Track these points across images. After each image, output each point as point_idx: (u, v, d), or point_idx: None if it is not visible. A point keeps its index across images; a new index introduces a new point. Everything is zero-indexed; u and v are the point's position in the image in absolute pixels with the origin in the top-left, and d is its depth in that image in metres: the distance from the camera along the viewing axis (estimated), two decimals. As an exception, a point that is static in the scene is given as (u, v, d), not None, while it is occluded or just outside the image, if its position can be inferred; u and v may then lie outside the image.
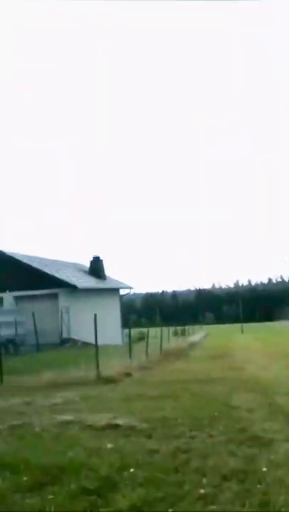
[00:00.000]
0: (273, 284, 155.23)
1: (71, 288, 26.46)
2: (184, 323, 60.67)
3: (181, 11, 69.65)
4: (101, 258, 32.80)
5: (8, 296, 26.52)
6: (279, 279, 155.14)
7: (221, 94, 76.66)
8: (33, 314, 22.36)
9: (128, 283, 35.21)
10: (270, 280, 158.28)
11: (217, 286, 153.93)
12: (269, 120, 78.87)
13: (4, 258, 26.69)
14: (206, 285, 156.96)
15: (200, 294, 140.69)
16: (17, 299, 26.46)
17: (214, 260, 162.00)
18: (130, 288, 35.64)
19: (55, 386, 11.78)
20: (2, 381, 13.21)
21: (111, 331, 31.24)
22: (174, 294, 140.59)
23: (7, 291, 26.49)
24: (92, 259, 32.70)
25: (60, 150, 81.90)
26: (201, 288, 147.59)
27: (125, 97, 77.83)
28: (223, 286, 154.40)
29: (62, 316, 25.28)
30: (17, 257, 26.75)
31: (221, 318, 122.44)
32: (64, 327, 25.68)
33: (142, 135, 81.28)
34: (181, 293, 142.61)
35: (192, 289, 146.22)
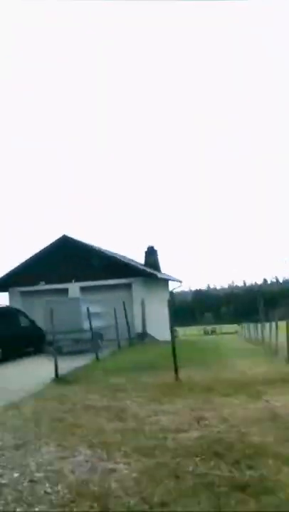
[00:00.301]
0: (268, 284, 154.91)
1: (145, 278, 23.98)
2: (182, 323, 58.98)
3: (181, 11, 67.64)
4: (155, 248, 30.33)
5: (73, 287, 23.89)
6: (273, 280, 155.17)
7: (221, 94, 75.09)
8: (124, 304, 19.87)
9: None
10: (265, 281, 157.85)
11: (212, 286, 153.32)
12: (269, 120, 77.73)
13: (70, 244, 24.06)
14: (201, 286, 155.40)
15: (197, 294, 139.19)
16: (83, 289, 23.85)
17: (208, 261, 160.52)
18: (180, 282, 33.32)
19: (267, 383, 9.42)
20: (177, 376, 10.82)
21: (163, 326, 28.85)
22: (172, 295, 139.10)
23: (73, 281, 23.87)
24: (146, 249, 30.18)
25: (60, 150, 79.14)
26: (198, 289, 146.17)
27: (125, 97, 75.78)
28: (218, 287, 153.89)
29: (143, 308, 22.79)
30: (88, 244, 24.13)
31: (219, 319, 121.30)
32: (139, 320, 23.18)
33: (141, 135, 79.17)
34: (178, 293, 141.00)
35: (187, 289, 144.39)
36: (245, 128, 76.12)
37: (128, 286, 23.54)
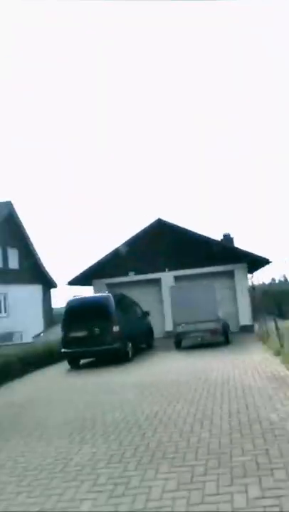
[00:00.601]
0: (276, 284, 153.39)
1: (243, 265, 21.71)
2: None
3: (181, 11, 65.73)
4: (232, 236, 28.00)
5: (167, 276, 21.61)
6: (282, 279, 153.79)
7: (221, 94, 72.85)
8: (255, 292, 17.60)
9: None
10: (273, 280, 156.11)
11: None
12: (269, 120, 75.62)
13: (165, 229, 21.75)
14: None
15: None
16: (176, 278, 21.56)
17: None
18: (252, 274, 30.97)
19: None
20: None
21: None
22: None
23: (166, 270, 21.59)
24: (222, 237, 27.83)
25: (60, 150, 76.85)
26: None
27: (125, 97, 73.41)
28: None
29: (253, 297, 20.54)
30: (184, 228, 21.78)
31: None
32: (247, 312, 20.94)
33: (142, 135, 76.92)
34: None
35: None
36: (246, 128, 73.89)
37: (229, 274, 21.28)
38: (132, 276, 21.88)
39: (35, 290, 32.07)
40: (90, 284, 22.59)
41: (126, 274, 21.98)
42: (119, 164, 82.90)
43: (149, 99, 76.62)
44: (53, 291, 34.57)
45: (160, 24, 67.19)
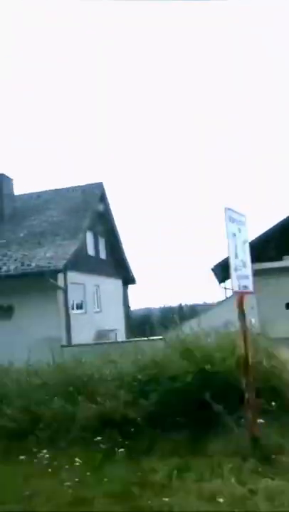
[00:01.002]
0: None
1: None
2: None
3: (181, 11, 64.30)
4: None
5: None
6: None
7: (221, 94, 71.59)
8: None
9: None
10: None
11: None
12: (269, 120, 74.49)
13: None
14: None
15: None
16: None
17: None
18: None
19: None
20: None
21: None
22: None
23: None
24: None
25: (60, 150, 74.96)
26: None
27: (125, 97, 71.77)
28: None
29: None
30: None
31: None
32: None
33: (142, 135, 75.14)
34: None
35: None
36: (246, 128, 72.38)
37: None
38: (287, 261, 18.58)
39: (117, 285, 28.59)
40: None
41: (279, 258, 18.67)
42: (118, 163, 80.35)
43: (149, 98, 74.49)
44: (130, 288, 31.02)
45: (160, 24, 65.33)
